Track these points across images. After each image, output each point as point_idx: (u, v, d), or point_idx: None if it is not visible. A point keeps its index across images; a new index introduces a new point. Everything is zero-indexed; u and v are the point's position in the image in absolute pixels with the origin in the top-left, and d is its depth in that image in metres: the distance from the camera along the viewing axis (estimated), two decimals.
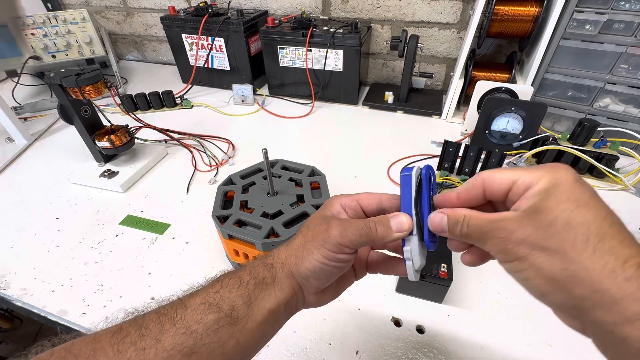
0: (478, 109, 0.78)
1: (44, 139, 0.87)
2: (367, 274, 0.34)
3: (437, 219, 0.26)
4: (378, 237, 0.27)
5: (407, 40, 0.85)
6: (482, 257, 0.26)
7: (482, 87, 0.76)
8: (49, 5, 1.23)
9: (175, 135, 0.84)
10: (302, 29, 0.90)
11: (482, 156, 0.65)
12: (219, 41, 0.98)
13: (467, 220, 0.24)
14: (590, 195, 0.21)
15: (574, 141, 0.70)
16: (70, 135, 0.86)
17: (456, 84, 0.85)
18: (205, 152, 0.79)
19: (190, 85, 1.04)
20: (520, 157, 0.70)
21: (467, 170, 0.67)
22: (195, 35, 0.98)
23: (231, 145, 0.81)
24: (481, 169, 0.66)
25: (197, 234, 0.59)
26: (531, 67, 0.76)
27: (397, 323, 0.46)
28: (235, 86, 0.98)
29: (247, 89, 0.98)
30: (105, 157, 0.73)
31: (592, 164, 0.67)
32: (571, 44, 0.70)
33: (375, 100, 0.97)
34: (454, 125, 0.89)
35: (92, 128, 0.70)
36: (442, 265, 0.45)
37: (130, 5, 1.23)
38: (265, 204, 0.49)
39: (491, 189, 0.23)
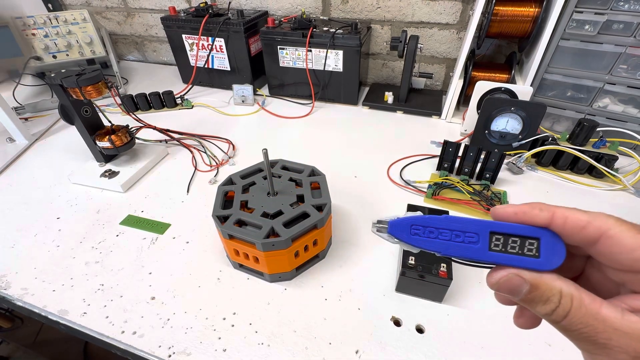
0: (478, 109, 0.78)
1: (45, 139, 0.87)
2: None
3: (507, 280, 0.19)
4: None
5: (407, 41, 0.85)
6: (538, 320, 0.21)
7: (481, 87, 0.76)
8: (50, 5, 1.24)
9: (176, 136, 0.84)
10: (302, 30, 0.90)
11: (482, 156, 0.65)
12: (219, 41, 0.99)
13: (568, 305, 0.17)
14: None
15: (573, 141, 0.70)
16: (70, 136, 0.86)
17: (456, 84, 0.85)
18: (205, 152, 0.79)
19: (190, 86, 1.05)
20: (519, 157, 0.70)
21: (466, 170, 0.67)
22: (195, 36, 0.99)
23: (231, 145, 0.82)
24: (481, 169, 0.66)
25: (197, 234, 0.59)
26: (531, 67, 0.76)
27: (396, 323, 0.46)
28: (235, 86, 0.98)
29: (247, 89, 0.98)
30: (105, 157, 0.73)
31: (591, 164, 0.67)
32: (570, 45, 0.70)
33: (375, 101, 0.98)
34: (454, 125, 0.90)
35: (92, 128, 0.70)
36: (442, 265, 0.45)
37: (131, 5, 1.24)
38: (265, 204, 0.49)
39: (607, 253, 0.17)
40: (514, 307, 0.23)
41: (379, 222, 0.22)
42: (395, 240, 0.22)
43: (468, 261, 0.21)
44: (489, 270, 0.21)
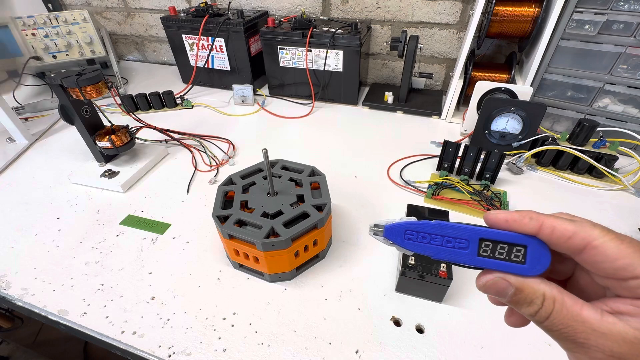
0: (477, 109, 0.78)
1: (45, 139, 0.87)
2: None
3: (494, 283, 0.20)
4: None
5: (407, 41, 0.85)
6: (527, 319, 0.22)
7: (481, 87, 0.76)
8: (50, 5, 1.24)
9: (176, 136, 0.84)
10: (302, 30, 0.90)
11: (482, 156, 0.65)
12: (219, 41, 0.99)
13: (550, 307, 0.18)
14: None
15: (573, 141, 0.70)
16: (71, 136, 0.86)
17: (456, 84, 0.85)
18: (205, 152, 0.79)
19: (190, 86, 1.05)
20: (519, 157, 0.70)
21: (466, 170, 0.67)
22: (195, 36, 0.99)
23: (231, 146, 0.82)
24: (481, 169, 0.66)
25: (197, 234, 0.59)
26: (530, 67, 0.76)
27: (396, 323, 0.46)
28: (235, 86, 0.98)
29: (247, 89, 0.98)
30: (105, 157, 0.73)
31: (591, 164, 0.67)
32: (570, 45, 0.70)
33: (375, 101, 0.98)
34: (454, 125, 0.90)
35: (92, 128, 0.70)
36: (442, 265, 0.45)
37: (131, 5, 1.24)
38: (265, 204, 0.49)
39: (592, 262, 0.18)
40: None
41: (376, 225, 0.23)
42: (390, 243, 0.23)
43: (459, 265, 0.22)
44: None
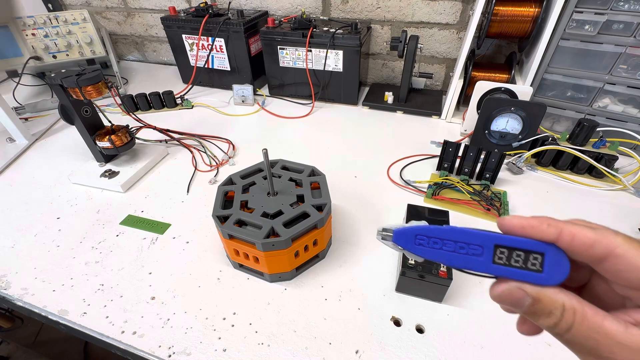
0: (477, 109, 0.78)
1: (45, 139, 0.87)
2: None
3: (510, 293, 0.19)
4: None
5: (407, 41, 0.85)
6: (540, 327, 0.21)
7: (481, 87, 0.76)
8: (50, 5, 1.24)
9: (176, 136, 0.84)
10: (302, 30, 0.90)
11: (482, 156, 0.65)
12: (219, 41, 0.99)
13: (571, 318, 0.17)
14: None
15: (573, 141, 0.70)
16: (71, 136, 0.86)
17: (456, 84, 0.85)
18: (205, 152, 0.79)
19: (190, 86, 1.05)
20: (519, 157, 0.70)
21: (466, 170, 0.67)
22: (195, 36, 0.99)
23: (231, 145, 0.82)
24: (480, 169, 0.66)
25: (197, 234, 0.59)
26: (530, 67, 0.76)
27: (396, 323, 0.46)
28: (235, 86, 0.98)
29: (247, 89, 0.98)
30: (105, 157, 0.73)
31: (591, 164, 0.67)
32: (570, 45, 0.70)
33: (375, 101, 0.98)
34: (454, 125, 0.90)
35: (92, 128, 0.70)
36: (442, 265, 0.45)
37: (131, 5, 1.24)
38: (265, 204, 0.49)
39: (614, 271, 0.17)
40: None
41: (384, 230, 0.22)
42: (400, 248, 0.22)
43: (472, 273, 0.21)
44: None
